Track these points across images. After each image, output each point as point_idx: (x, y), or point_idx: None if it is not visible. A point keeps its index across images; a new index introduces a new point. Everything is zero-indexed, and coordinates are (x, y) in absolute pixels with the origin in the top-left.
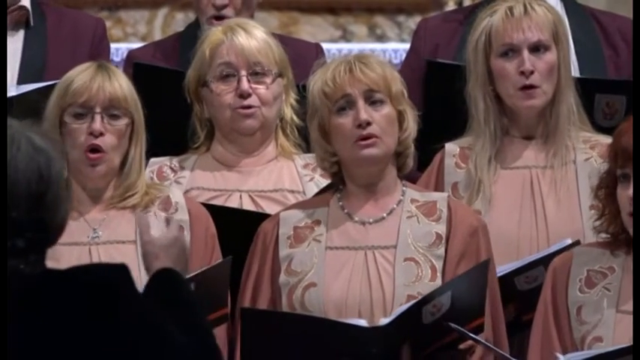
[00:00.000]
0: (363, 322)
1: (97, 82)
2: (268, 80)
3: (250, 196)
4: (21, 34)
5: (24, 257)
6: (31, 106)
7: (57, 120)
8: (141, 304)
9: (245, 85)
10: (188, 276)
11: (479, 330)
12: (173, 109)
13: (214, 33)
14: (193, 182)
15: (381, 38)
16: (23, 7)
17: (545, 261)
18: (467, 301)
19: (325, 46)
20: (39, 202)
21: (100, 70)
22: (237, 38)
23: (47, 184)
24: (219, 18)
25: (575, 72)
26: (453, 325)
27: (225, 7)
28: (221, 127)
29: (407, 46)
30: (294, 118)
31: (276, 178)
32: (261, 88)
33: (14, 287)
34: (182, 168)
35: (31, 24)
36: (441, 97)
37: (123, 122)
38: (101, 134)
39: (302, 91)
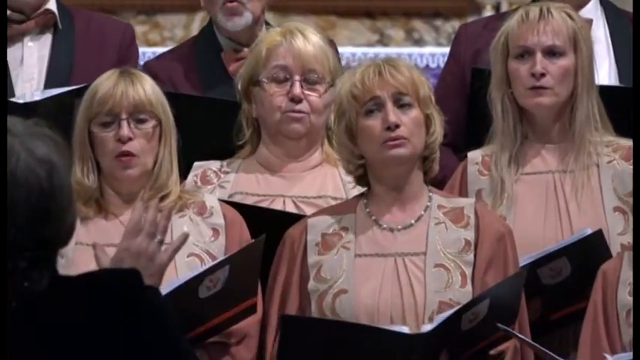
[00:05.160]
0: (405, 329)
1: (120, 88)
2: (321, 89)
3: (294, 201)
4: (48, 37)
5: (27, 276)
6: (64, 106)
7: (85, 132)
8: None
9: (298, 89)
10: (224, 257)
11: (507, 337)
12: (208, 135)
13: (272, 34)
14: (237, 187)
15: (418, 42)
16: (49, 11)
17: (567, 251)
18: (503, 308)
19: (362, 50)
20: (40, 217)
21: (122, 76)
22: (296, 42)
23: (49, 197)
24: (233, 1)
25: (614, 76)
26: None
27: None
28: (268, 128)
29: (444, 50)
30: None
31: (320, 185)
32: (313, 96)
33: (19, 303)
34: (226, 172)
35: (59, 27)
36: (486, 103)
37: (150, 125)
38: (130, 139)
39: None
